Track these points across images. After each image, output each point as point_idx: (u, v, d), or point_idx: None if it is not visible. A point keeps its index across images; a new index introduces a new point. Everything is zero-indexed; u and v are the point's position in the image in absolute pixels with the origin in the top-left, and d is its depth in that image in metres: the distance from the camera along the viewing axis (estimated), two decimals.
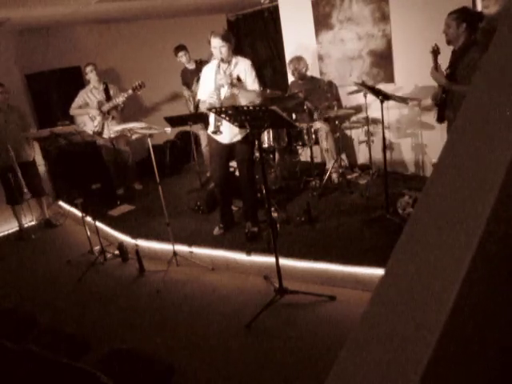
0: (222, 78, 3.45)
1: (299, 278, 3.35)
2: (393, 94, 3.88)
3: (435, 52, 3.30)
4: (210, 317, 3.18)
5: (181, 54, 5.55)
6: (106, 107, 5.21)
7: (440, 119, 3.49)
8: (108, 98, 5.30)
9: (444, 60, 3.38)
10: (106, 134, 5.31)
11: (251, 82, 3.57)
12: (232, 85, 3.44)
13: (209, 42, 3.49)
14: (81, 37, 6.18)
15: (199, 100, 3.84)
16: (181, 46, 5.60)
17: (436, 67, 3.33)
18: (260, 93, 3.64)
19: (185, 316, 3.24)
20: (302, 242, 3.69)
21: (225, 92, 3.51)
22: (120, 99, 5.14)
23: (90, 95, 5.33)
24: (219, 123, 3.46)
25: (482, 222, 0.66)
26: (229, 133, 3.64)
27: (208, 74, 3.65)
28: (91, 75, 5.29)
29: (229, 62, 3.54)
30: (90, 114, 5.25)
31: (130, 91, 5.04)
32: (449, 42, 3.32)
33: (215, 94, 3.46)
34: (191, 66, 5.61)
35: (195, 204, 4.78)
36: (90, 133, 5.24)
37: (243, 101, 3.53)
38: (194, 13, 6.85)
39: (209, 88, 3.57)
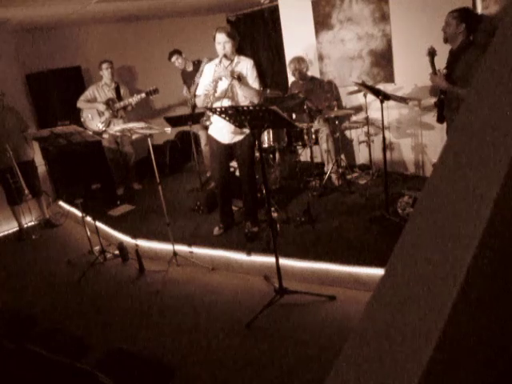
0: (222, 70, 3.45)
1: (299, 278, 3.35)
2: (393, 94, 3.88)
3: (431, 54, 3.29)
4: (210, 317, 3.17)
5: (173, 58, 5.52)
6: (117, 106, 5.25)
7: (440, 119, 3.49)
8: (118, 97, 5.34)
9: (442, 60, 3.37)
10: (107, 134, 5.32)
11: (252, 81, 3.57)
12: (232, 77, 3.44)
13: (213, 38, 3.49)
14: (81, 37, 6.18)
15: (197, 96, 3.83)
16: (174, 50, 5.57)
17: (434, 71, 3.32)
18: (259, 92, 3.64)
19: (185, 316, 3.24)
20: (301, 242, 3.68)
21: (222, 86, 3.50)
22: (133, 100, 5.20)
23: (100, 91, 5.37)
24: (210, 114, 3.46)
25: (482, 221, 0.66)
26: (229, 133, 3.65)
27: (208, 71, 3.64)
28: (105, 72, 5.36)
29: (231, 60, 3.54)
30: (98, 109, 5.27)
31: (144, 95, 5.13)
32: (446, 40, 3.31)
33: (211, 86, 3.46)
34: (189, 68, 5.61)
35: (195, 204, 4.78)
36: (94, 127, 5.25)
37: (242, 96, 3.54)
38: (193, 13, 6.85)
39: (207, 82, 3.57)
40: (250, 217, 3.97)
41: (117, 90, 5.42)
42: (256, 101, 3.56)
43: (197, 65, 5.40)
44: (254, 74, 3.58)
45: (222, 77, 3.46)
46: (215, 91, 3.48)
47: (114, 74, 5.45)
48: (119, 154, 5.56)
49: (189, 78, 5.58)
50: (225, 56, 3.48)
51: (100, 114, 5.29)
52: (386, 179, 3.78)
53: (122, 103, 5.28)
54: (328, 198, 4.57)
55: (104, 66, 5.35)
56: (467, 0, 3.71)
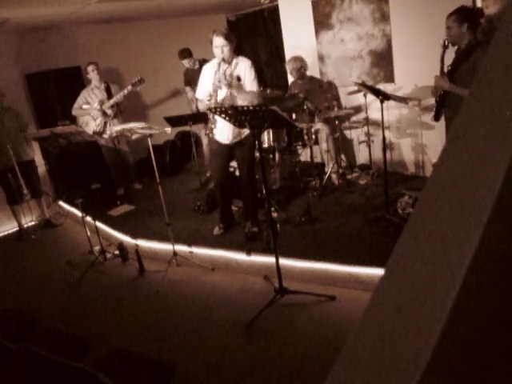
0: (221, 79, 3.44)
1: (299, 278, 3.35)
2: (393, 94, 3.87)
3: (445, 47, 3.24)
4: (210, 317, 3.18)
5: (185, 61, 5.58)
6: (106, 105, 5.22)
7: (436, 118, 3.48)
8: (110, 97, 5.31)
9: (448, 60, 3.35)
10: (107, 134, 5.31)
11: (250, 82, 3.56)
12: (230, 86, 3.44)
13: (210, 42, 3.48)
14: (81, 37, 6.18)
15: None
16: (185, 51, 5.57)
17: (442, 67, 3.28)
18: (259, 94, 3.62)
19: (184, 316, 3.24)
20: (302, 242, 3.69)
21: (222, 94, 3.51)
22: (120, 95, 5.13)
23: (92, 95, 5.33)
24: (212, 125, 3.46)
25: (482, 221, 0.66)
26: (229, 133, 3.65)
27: (207, 73, 3.64)
28: (93, 74, 5.29)
29: (229, 63, 3.53)
30: (91, 114, 5.25)
31: (130, 87, 5.03)
32: (454, 44, 3.28)
33: (213, 97, 3.46)
34: (195, 66, 5.61)
35: (195, 204, 4.78)
36: (91, 133, 5.24)
37: (241, 102, 3.53)
38: (194, 13, 6.85)
39: (207, 88, 3.56)
40: (250, 217, 3.97)
41: (108, 90, 5.37)
42: (256, 102, 3.56)
43: (202, 62, 5.39)
44: (252, 75, 3.56)
45: (221, 86, 3.45)
46: (216, 100, 3.47)
47: (101, 74, 5.37)
48: (117, 153, 5.55)
49: (193, 76, 5.56)
50: (223, 59, 3.47)
51: (94, 117, 5.26)
52: (386, 179, 3.78)
53: (111, 101, 5.23)
54: (328, 198, 4.57)
55: (90, 68, 5.28)
56: (467, 1, 3.71)
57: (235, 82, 3.48)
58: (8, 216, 5.32)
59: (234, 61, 3.55)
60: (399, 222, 3.60)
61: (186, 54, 5.59)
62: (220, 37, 3.40)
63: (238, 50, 3.66)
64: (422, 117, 4.58)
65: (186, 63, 5.61)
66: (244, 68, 3.55)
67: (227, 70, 3.51)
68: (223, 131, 3.64)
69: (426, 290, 0.64)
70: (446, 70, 3.31)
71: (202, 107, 3.73)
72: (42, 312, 3.37)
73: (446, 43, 3.22)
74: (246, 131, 3.58)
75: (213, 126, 3.46)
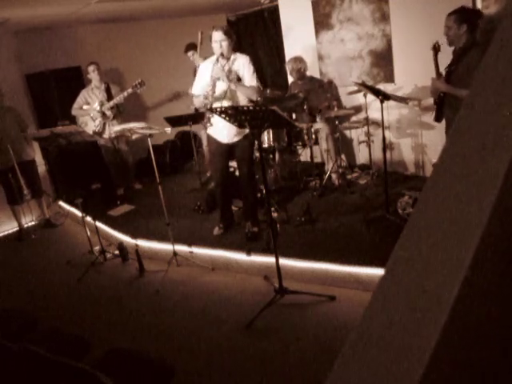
0: (219, 71, 3.43)
1: (299, 278, 3.35)
2: (393, 94, 3.87)
3: (435, 49, 3.26)
4: (210, 317, 3.17)
5: (189, 53, 5.60)
6: (106, 107, 5.22)
7: (438, 118, 3.48)
8: (110, 97, 5.30)
9: (445, 60, 3.36)
10: (106, 134, 5.32)
11: (249, 77, 3.55)
12: (229, 79, 3.43)
13: (210, 39, 3.48)
14: (81, 37, 6.18)
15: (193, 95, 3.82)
16: (190, 44, 5.60)
17: (437, 69, 3.30)
18: (258, 89, 3.61)
19: (184, 316, 3.24)
20: (301, 242, 3.68)
21: (221, 87, 3.49)
22: (120, 98, 5.13)
23: (92, 95, 5.33)
24: (210, 116, 3.45)
25: (482, 221, 0.66)
26: (229, 133, 3.64)
27: (205, 70, 3.62)
28: (93, 75, 5.29)
29: (228, 59, 3.53)
30: (91, 114, 5.25)
31: (130, 90, 5.02)
32: (451, 44, 3.28)
33: (210, 87, 3.45)
34: (198, 62, 5.62)
35: (195, 204, 4.78)
36: (91, 133, 5.24)
37: (241, 96, 3.52)
38: (194, 13, 6.85)
39: (204, 82, 3.56)
40: (249, 217, 3.97)
41: (108, 90, 5.35)
42: (255, 98, 3.55)
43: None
44: (250, 70, 3.56)
45: (219, 77, 3.45)
46: (214, 92, 3.47)
47: (101, 75, 5.36)
48: (116, 153, 5.56)
49: None
50: (221, 55, 3.47)
51: (93, 118, 5.25)
52: (386, 179, 3.78)
53: (111, 103, 5.21)
54: (328, 198, 4.57)
55: (90, 68, 5.27)
56: (467, 0, 3.70)
57: (234, 76, 3.47)
58: (8, 216, 5.32)
59: (232, 57, 3.55)
60: (399, 222, 3.60)
61: (190, 47, 5.59)
62: (219, 31, 3.40)
63: (236, 49, 3.65)
64: (422, 117, 4.58)
65: (190, 55, 5.62)
66: (242, 64, 3.54)
67: (225, 65, 3.50)
68: (223, 131, 3.63)
69: (426, 290, 0.64)
70: (443, 71, 3.32)
71: (197, 103, 3.72)
72: (42, 312, 3.37)
73: (437, 45, 3.23)
74: (246, 131, 3.58)
75: (211, 116, 3.45)
